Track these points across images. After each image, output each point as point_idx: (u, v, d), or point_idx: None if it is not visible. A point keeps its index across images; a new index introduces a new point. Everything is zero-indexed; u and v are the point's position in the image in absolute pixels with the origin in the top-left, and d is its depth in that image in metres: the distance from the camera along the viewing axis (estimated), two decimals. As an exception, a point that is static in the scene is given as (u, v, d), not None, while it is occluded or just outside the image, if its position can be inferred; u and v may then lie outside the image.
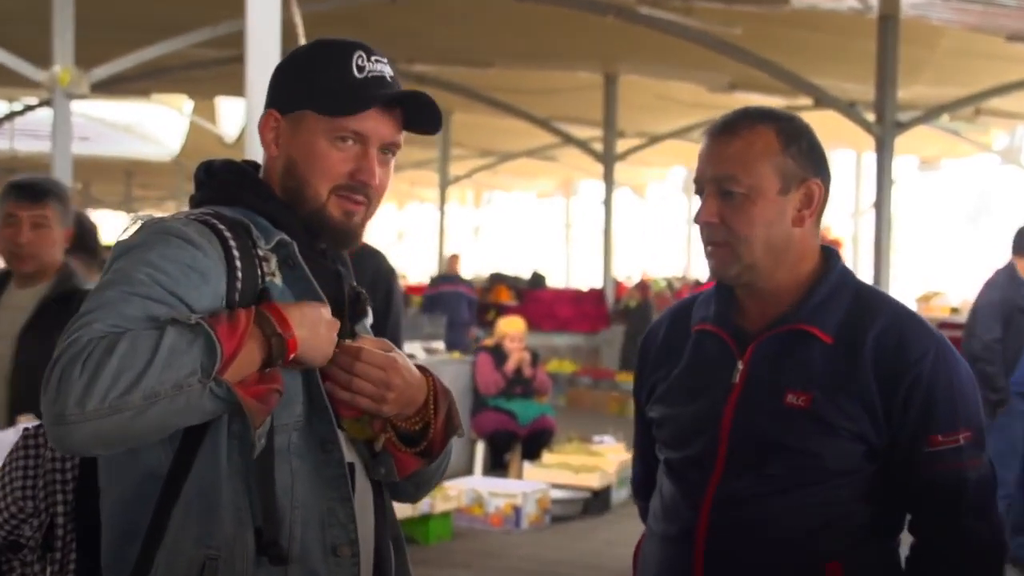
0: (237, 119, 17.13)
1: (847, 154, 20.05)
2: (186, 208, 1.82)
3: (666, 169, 24.02)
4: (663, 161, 21.98)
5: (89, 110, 17.05)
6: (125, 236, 1.72)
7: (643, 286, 15.79)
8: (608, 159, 16.01)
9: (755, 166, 2.00)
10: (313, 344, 1.68)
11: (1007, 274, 6.31)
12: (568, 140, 17.20)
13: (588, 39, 12.37)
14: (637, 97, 15.35)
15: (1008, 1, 9.67)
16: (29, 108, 16.65)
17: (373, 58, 1.80)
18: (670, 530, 2.08)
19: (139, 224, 1.74)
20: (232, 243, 1.70)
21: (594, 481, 7.90)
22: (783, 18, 10.65)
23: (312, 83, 1.79)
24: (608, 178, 16.09)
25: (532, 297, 16.23)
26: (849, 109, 11.88)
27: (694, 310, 2.16)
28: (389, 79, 1.81)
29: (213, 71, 13.03)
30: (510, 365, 8.70)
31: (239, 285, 1.69)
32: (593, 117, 16.06)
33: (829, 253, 2.11)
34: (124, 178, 26.80)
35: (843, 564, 1.99)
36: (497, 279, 17.05)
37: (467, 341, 11.95)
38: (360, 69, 1.79)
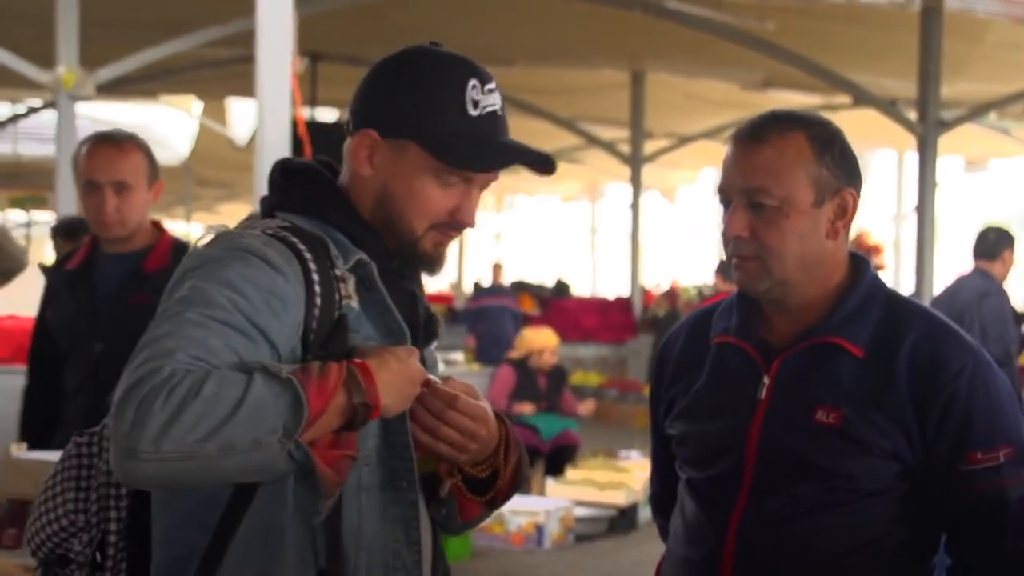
0: (249, 121, 16.89)
1: (888, 154, 19.74)
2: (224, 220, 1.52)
3: (696, 171, 23.65)
4: (693, 163, 21.64)
5: (95, 112, 16.83)
6: (206, 246, 1.67)
7: (672, 294, 15.59)
8: (635, 161, 15.72)
9: (788, 177, 1.92)
10: (399, 404, 1.64)
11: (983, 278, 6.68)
12: (593, 141, 16.95)
13: (614, 35, 12.08)
14: (665, 96, 15.10)
15: (1059, -9, 9.25)
16: (33, 111, 16.42)
17: (487, 88, 1.75)
18: (694, 554, 2.02)
19: (213, 235, 1.69)
20: (312, 266, 1.66)
21: (620, 498, 7.70)
22: (819, 12, 10.33)
23: (424, 117, 1.72)
24: (635, 181, 15.80)
25: (556, 306, 16.05)
26: (890, 107, 11.54)
27: (714, 321, 2.09)
28: (500, 112, 1.77)
29: (223, 71, 12.86)
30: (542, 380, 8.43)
31: (317, 312, 1.65)
32: (619, 117, 15.84)
33: (859, 261, 2.04)
34: (133, 184, 26.66)
35: None
36: (520, 287, 16.79)
37: None
38: (475, 104, 1.73)
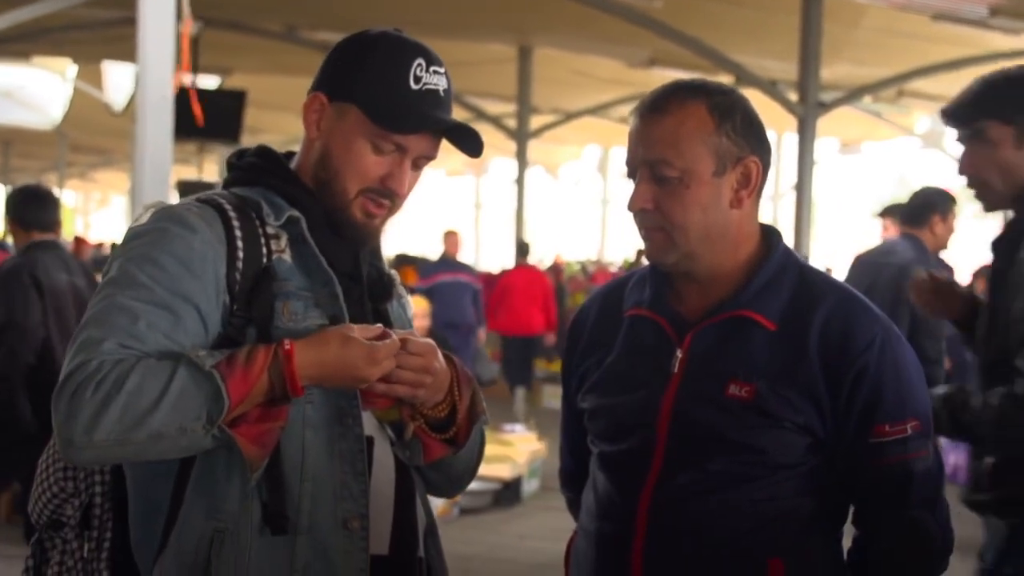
0: (126, 86, 16.44)
1: (768, 135, 19.92)
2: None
3: (581, 148, 23.80)
4: (578, 139, 21.76)
5: (-38, 74, 16.33)
6: (137, 223, 1.79)
7: (556, 269, 15.59)
8: (521, 136, 15.67)
9: (687, 147, 1.91)
10: (339, 378, 1.74)
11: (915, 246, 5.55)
12: (480, 115, 16.84)
13: (502, 10, 12.01)
14: (552, 72, 15.10)
15: (934, -21, 9.47)
16: None
17: (432, 68, 1.85)
18: (606, 528, 1.99)
19: (150, 211, 1.79)
20: (236, 223, 1.78)
21: (505, 472, 7.69)
22: (705, -9, 10.43)
23: (367, 83, 1.83)
24: (521, 156, 15.76)
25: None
26: (771, 88, 11.69)
27: (626, 293, 2.06)
28: (443, 93, 1.86)
29: (100, 33, 12.44)
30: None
31: (240, 265, 1.77)
32: (506, 92, 15.78)
33: (770, 233, 2.01)
34: (1, 148, 25.99)
35: (785, 560, 1.93)
36: (404, 260, 16.60)
37: (476, 349, 10.46)
38: (417, 80, 1.83)
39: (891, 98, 14.85)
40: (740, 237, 1.97)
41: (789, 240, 10.46)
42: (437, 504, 7.53)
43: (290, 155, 1.94)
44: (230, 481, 1.74)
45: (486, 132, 19.80)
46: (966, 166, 2.62)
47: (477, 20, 12.72)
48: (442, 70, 1.87)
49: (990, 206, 2.65)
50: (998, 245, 2.64)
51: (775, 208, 19.82)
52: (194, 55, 11.95)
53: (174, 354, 1.68)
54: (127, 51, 5.07)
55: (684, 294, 1.99)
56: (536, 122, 16.61)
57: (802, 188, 10.77)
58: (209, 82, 14.62)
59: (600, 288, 2.19)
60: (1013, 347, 2.55)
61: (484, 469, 7.60)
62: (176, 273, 1.72)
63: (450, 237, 11.55)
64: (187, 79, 8.57)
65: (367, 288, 1.90)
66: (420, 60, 1.84)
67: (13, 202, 5.21)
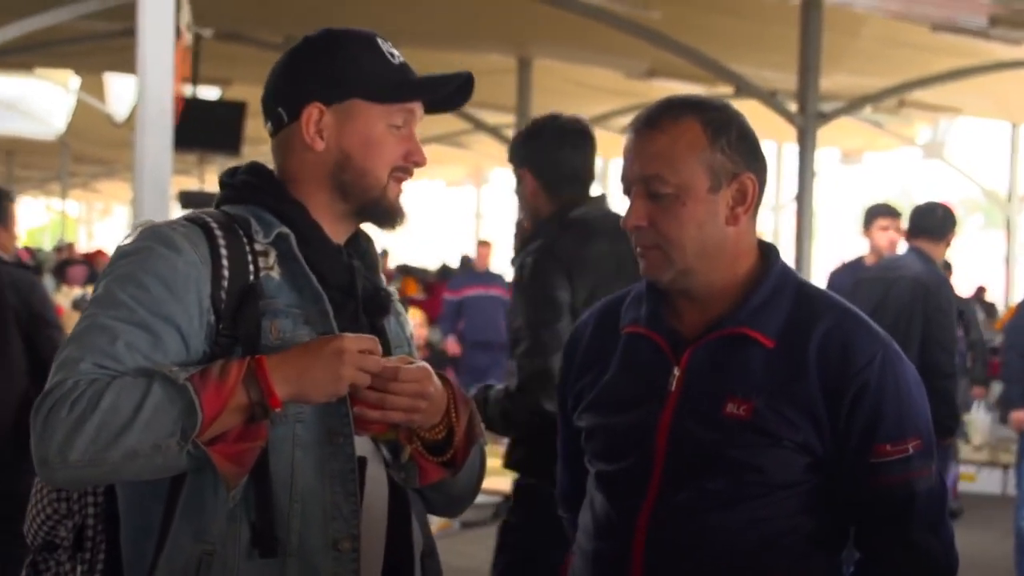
0: (129, 97, 16.47)
1: (768, 145, 19.96)
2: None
3: (580, 158, 23.71)
4: (577, 150, 21.67)
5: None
6: (124, 242, 1.79)
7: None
8: (521, 147, 15.61)
9: (682, 164, 1.90)
10: (319, 393, 1.71)
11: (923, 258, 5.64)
12: (479, 126, 16.83)
13: (501, 20, 12.01)
14: (552, 82, 15.04)
15: (934, -11, 9.46)
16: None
17: (389, 43, 1.90)
18: (603, 549, 1.97)
19: (138, 230, 1.79)
20: (222, 241, 1.77)
21: (505, 485, 7.53)
22: (704, 3, 10.47)
23: (360, 72, 1.85)
24: (520, 166, 15.69)
25: (441, 290, 15.88)
26: (771, 98, 11.69)
27: (623, 310, 2.04)
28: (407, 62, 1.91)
29: (102, 45, 12.43)
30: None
31: (226, 284, 1.76)
32: (506, 103, 15.69)
33: (767, 250, 2.00)
34: (4, 158, 25.95)
35: None
36: (404, 271, 16.63)
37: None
38: (392, 55, 1.88)
39: (892, 108, 14.82)
40: (737, 254, 1.96)
41: (790, 251, 10.54)
42: (438, 519, 7.57)
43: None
44: (218, 503, 1.73)
45: (485, 143, 19.88)
46: None
47: (476, 31, 12.73)
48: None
49: None
50: None
51: (776, 219, 19.79)
52: (194, 66, 11.98)
53: (148, 371, 1.68)
54: (128, 63, 5.06)
55: (681, 311, 1.98)
56: (536, 133, 16.59)
57: (803, 199, 10.72)
58: (209, 93, 14.62)
59: (596, 305, 2.17)
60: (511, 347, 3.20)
61: (486, 482, 7.64)
62: (158, 294, 1.72)
63: (482, 247, 11.01)
64: (187, 90, 8.59)
65: (363, 303, 1.88)
66: (380, 39, 1.89)
67: None
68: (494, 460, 8.50)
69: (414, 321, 8.54)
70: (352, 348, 1.72)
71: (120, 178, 26.77)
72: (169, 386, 1.65)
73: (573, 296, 3.26)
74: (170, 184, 4.96)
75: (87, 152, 23.46)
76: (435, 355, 9.47)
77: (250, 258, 1.78)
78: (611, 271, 3.26)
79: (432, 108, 1.92)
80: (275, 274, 1.80)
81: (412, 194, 30.97)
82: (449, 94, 1.91)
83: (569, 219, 3.37)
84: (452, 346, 9.39)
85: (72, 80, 18.75)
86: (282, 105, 1.87)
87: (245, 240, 1.79)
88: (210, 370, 1.68)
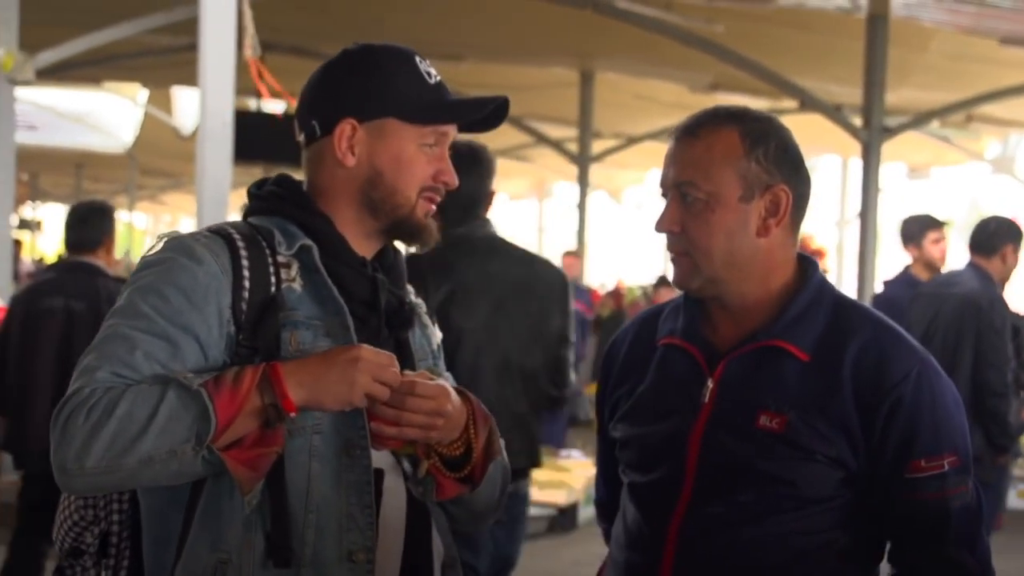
0: (194, 111, 16.68)
1: (833, 160, 19.78)
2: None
3: (644, 172, 23.68)
4: (641, 164, 21.66)
5: (38, 98, 16.57)
6: (149, 253, 1.81)
7: (617, 294, 15.51)
8: (583, 160, 15.64)
9: (715, 171, 1.90)
10: (333, 399, 1.71)
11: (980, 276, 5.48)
12: (541, 140, 16.88)
13: (564, 34, 12.02)
14: (614, 96, 15.07)
15: (1003, 3, 9.33)
16: (-30, 95, 16.06)
17: (427, 62, 1.90)
18: (634, 559, 1.97)
19: (162, 241, 1.81)
20: (243, 252, 1.79)
21: (560, 498, 7.68)
22: (767, 16, 10.35)
23: (396, 91, 1.86)
24: (583, 180, 15.72)
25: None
26: (835, 113, 11.58)
27: (661, 322, 2.05)
28: (444, 82, 1.92)
29: (169, 59, 12.65)
30: None
31: (246, 295, 1.77)
32: (568, 116, 15.76)
33: (806, 264, 1.99)
34: (74, 170, 26.36)
35: None
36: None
37: (581, 398, 9.90)
38: (429, 75, 1.88)
39: (960, 123, 14.65)
40: (770, 266, 1.95)
41: (854, 267, 10.33)
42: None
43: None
44: (234, 509, 1.74)
45: (548, 156, 19.87)
46: None
47: (539, 45, 12.77)
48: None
49: None
50: None
51: (841, 234, 19.61)
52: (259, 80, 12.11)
53: (164, 378, 1.69)
54: (194, 76, 5.13)
55: (717, 323, 1.98)
56: (598, 146, 16.58)
57: (866, 214, 10.63)
58: (275, 107, 14.77)
59: (635, 317, 2.19)
60: None
61: (540, 494, 7.69)
62: (178, 304, 1.74)
63: (568, 259, 10.96)
64: (252, 104, 8.71)
65: (386, 316, 1.89)
66: (418, 57, 1.89)
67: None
68: (550, 473, 8.52)
69: None
70: (368, 358, 1.72)
71: (186, 190, 27.11)
72: (183, 392, 1.66)
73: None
74: (229, 197, 5.01)
75: (154, 165, 23.78)
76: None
77: (272, 269, 1.80)
78: (473, 282, 3.73)
79: (467, 128, 1.92)
80: (297, 286, 1.81)
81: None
82: (485, 119, 1.92)
83: (453, 236, 3.72)
84: None
85: (140, 94, 19.01)
86: (316, 118, 1.88)
87: (268, 251, 1.81)
88: (224, 376, 1.69)
